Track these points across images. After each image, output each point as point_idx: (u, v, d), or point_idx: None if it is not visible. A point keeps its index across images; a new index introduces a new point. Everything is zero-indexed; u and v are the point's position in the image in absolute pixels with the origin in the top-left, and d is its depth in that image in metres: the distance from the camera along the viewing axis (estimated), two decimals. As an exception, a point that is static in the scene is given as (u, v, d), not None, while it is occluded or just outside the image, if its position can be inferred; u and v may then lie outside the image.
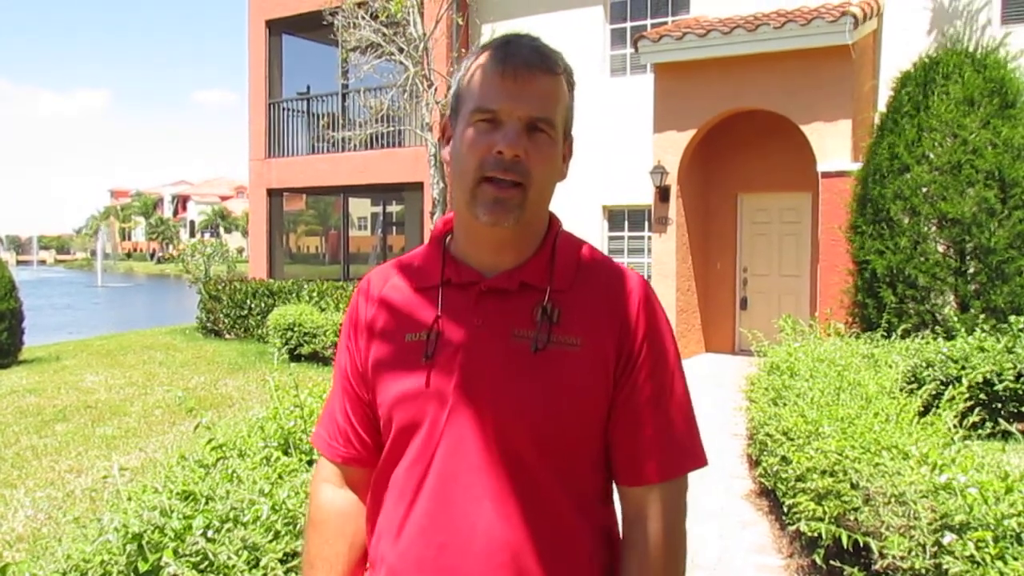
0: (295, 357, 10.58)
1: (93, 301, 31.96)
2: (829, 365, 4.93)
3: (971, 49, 7.44)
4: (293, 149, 14.98)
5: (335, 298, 11.88)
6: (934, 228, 7.13)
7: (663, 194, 9.76)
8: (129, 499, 2.32)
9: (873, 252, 7.32)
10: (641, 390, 1.13)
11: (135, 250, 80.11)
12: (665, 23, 10.75)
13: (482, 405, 1.10)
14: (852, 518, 3.10)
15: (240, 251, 30.45)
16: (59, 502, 5.04)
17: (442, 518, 1.10)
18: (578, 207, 10.82)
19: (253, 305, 13.31)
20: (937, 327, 6.91)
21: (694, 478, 1.19)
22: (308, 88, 15.19)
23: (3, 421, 7.53)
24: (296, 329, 10.64)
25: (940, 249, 7.12)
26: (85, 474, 5.69)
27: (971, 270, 7.01)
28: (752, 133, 10.01)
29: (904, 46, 9.09)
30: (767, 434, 4.33)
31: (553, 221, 1.21)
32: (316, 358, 10.46)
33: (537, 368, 1.10)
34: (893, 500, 2.85)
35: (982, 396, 5.76)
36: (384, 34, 10.57)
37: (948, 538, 2.51)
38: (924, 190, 7.10)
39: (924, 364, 6.01)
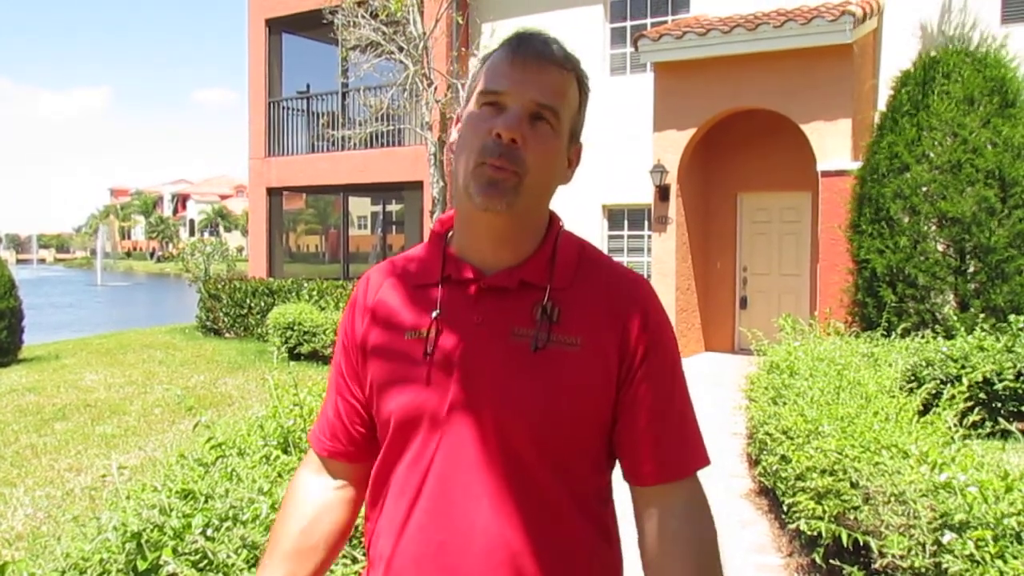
0: (295, 356, 10.58)
1: (93, 300, 31.95)
2: (829, 364, 4.93)
3: (971, 48, 7.44)
4: (293, 148, 14.97)
5: (335, 297, 11.88)
6: (934, 227, 7.13)
7: (663, 193, 9.76)
8: (128, 498, 2.32)
9: (873, 251, 7.32)
10: (645, 391, 1.12)
11: (135, 249, 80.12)
12: (665, 22, 10.75)
13: (481, 404, 1.09)
14: (852, 517, 3.10)
15: (240, 250, 30.44)
16: (58, 501, 5.04)
17: (441, 516, 1.09)
18: (578, 206, 10.81)
19: (253, 304, 13.31)
20: (937, 326, 6.91)
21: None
22: (308, 87, 15.19)
23: (3, 420, 7.53)
24: (296, 328, 10.64)
25: (940, 248, 7.11)
26: (84, 473, 5.69)
27: (971, 269, 7.01)
28: (752, 132, 10.01)
29: (904, 45, 9.09)
30: (767, 433, 4.33)
31: (554, 220, 1.21)
32: (316, 357, 10.46)
33: (536, 367, 1.10)
34: (893, 499, 2.85)
35: (982, 395, 5.77)
36: (384, 33, 10.57)
37: (948, 537, 2.51)
38: (924, 189, 7.10)
39: (924, 363, 6.01)
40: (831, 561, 3.24)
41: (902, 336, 6.51)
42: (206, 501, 2.27)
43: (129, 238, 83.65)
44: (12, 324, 11.38)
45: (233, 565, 2.00)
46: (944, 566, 2.48)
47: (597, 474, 1.16)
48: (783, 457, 3.88)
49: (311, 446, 1.29)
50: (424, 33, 10.51)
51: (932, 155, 7.14)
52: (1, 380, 9.76)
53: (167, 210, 79.52)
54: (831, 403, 4.03)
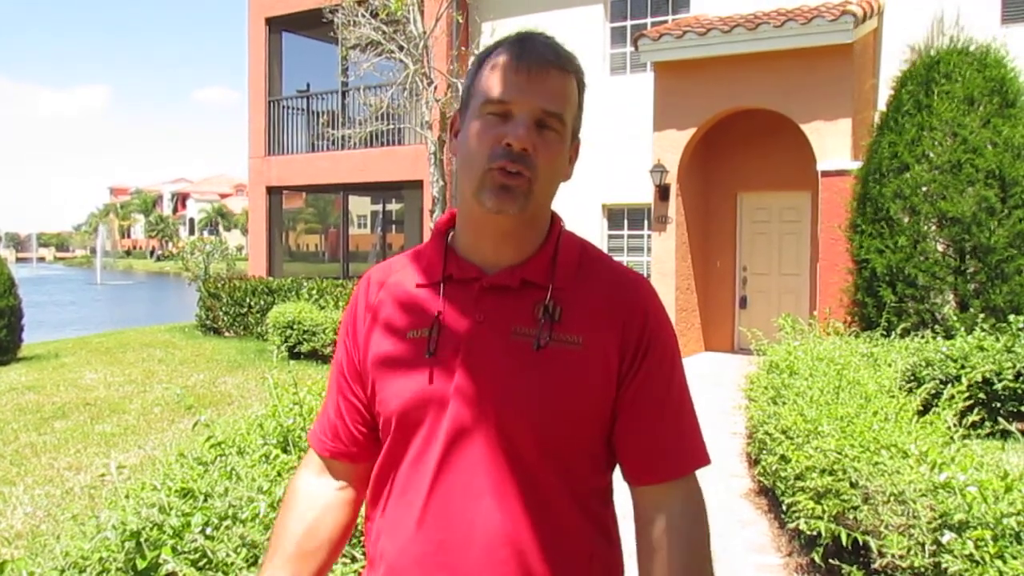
0: (294, 355, 10.58)
1: (93, 299, 31.95)
2: (828, 364, 4.93)
3: (971, 48, 7.44)
4: (293, 147, 14.97)
5: (334, 296, 11.87)
6: (934, 227, 7.13)
7: (663, 193, 9.76)
8: (127, 496, 2.32)
9: (873, 251, 7.32)
10: (646, 390, 1.13)
11: (134, 247, 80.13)
12: (665, 21, 10.75)
13: (483, 403, 1.10)
14: (851, 517, 3.10)
15: (240, 249, 30.43)
16: (58, 499, 5.04)
17: (442, 515, 1.10)
18: (578, 205, 10.81)
19: (252, 303, 13.30)
20: (936, 326, 6.91)
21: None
22: (308, 86, 15.19)
23: (2, 418, 7.53)
24: (295, 327, 10.64)
25: (940, 248, 7.11)
26: (84, 471, 5.69)
27: (971, 269, 7.01)
28: (752, 132, 10.00)
29: (904, 45, 9.08)
30: (766, 433, 4.33)
31: (556, 220, 1.21)
32: (315, 356, 10.46)
33: (538, 366, 1.10)
34: (892, 499, 2.85)
35: (981, 395, 5.77)
36: (384, 32, 10.56)
37: (947, 537, 2.51)
38: (924, 189, 7.10)
39: (923, 363, 6.01)
40: (830, 561, 3.24)
41: (902, 336, 6.51)
42: (205, 500, 2.27)
43: (129, 237, 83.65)
44: (12, 323, 11.38)
45: (232, 564, 2.00)
46: (943, 566, 2.48)
47: (598, 474, 1.16)
48: (783, 457, 3.88)
49: (311, 446, 1.28)
50: (424, 32, 10.50)
51: (932, 155, 7.14)
52: (1, 378, 9.75)
53: (167, 209, 79.51)
54: (831, 403, 4.03)
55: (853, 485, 3.15)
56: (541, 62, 1.10)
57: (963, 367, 5.83)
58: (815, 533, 3.27)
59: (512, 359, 1.10)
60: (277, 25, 14.90)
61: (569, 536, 1.11)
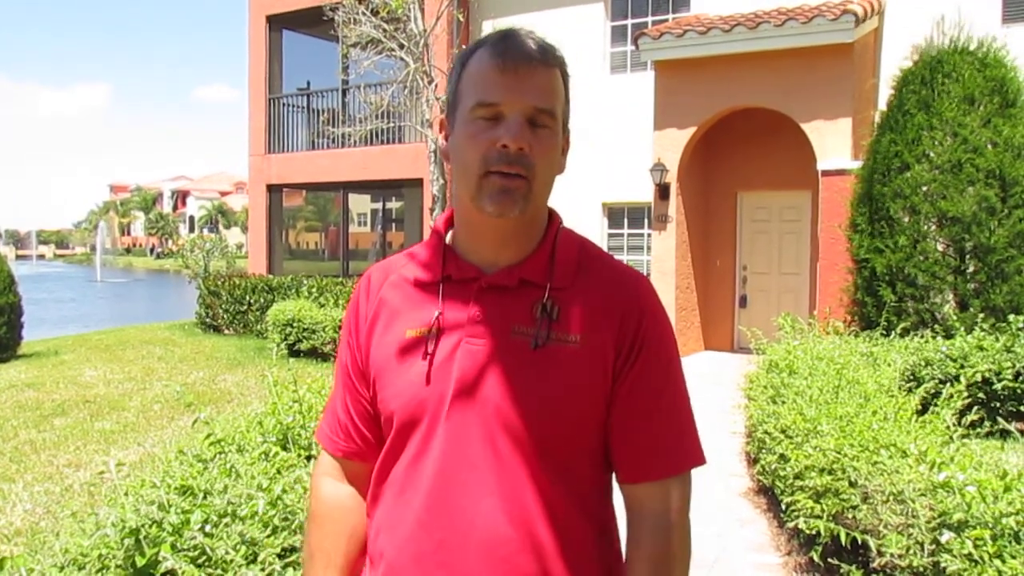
0: (294, 353, 10.58)
1: (93, 296, 31.95)
2: (828, 363, 4.93)
3: (972, 48, 7.44)
4: (293, 145, 14.96)
5: (334, 294, 11.88)
6: (934, 227, 7.13)
7: (663, 192, 9.75)
8: (127, 494, 2.32)
9: (873, 250, 7.32)
10: (640, 388, 1.13)
11: (134, 245, 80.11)
12: (666, 20, 10.74)
13: (481, 401, 1.10)
14: (850, 516, 3.11)
15: (239, 247, 30.44)
16: (57, 497, 5.04)
17: (441, 514, 1.10)
18: (578, 204, 10.81)
19: (252, 301, 13.30)
20: (936, 326, 6.91)
21: (692, 475, 1.19)
22: (308, 84, 15.17)
23: (2, 415, 7.53)
24: (295, 325, 10.64)
25: (940, 248, 7.11)
26: (83, 468, 5.69)
27: (971, 269, 7.01)
28: (752, 131, 10.00)
29: (905, 45, 9.08)
30: (765, 432, 4.33)
31: (554, 217, 1.22)
32: (315, 354, 10.46)
33: (536, 365, 1.10)
34: (891, 498, 2.85)
35: (981, 395, 5.77)
36: (385, 30, 10.56)
37: (946, 536, 2.52)
38: (924, 189, 7.10)
39: (923, 363, 6.01)
40: (829, 560, 3.24)
41: (901, 335, 6.51)
42: (205, 497, 2.27)
43: (129, 234, 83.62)
44: (11, 320, 11.38)
45: (232, 561, 2.00)
46: (942, 565, 2.48)
47: (596, 472, 1.16)
48: (782, 456, 3.88)
49: (323, 447, 1.28)
50: (425, 30, 10.50)
51: (932, 155, 7.14)
52: (0, 376, 9.76)
53: (167, 206, 79.49)
54: (830, 402, 4.04)
55: (852, 484, 3.16)
56: (526, 59, 1.09)
57: (962, 367, 5.83)
58: (814, 532, 3.27)
59: (510, 358, 1.10)
60: (278, 23, 14.88)
61: (568, 534, 1.11)
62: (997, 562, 2.35)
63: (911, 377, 5.86)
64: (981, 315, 6.64)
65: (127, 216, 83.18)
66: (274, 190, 15.11)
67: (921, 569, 2.60)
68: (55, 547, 2.05)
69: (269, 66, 14.90)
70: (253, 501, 2.22)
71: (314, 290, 12.22)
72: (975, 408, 4.89)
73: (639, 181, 10.38)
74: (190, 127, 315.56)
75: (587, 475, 1.14)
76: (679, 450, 1.15)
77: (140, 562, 1.93)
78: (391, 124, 12.24)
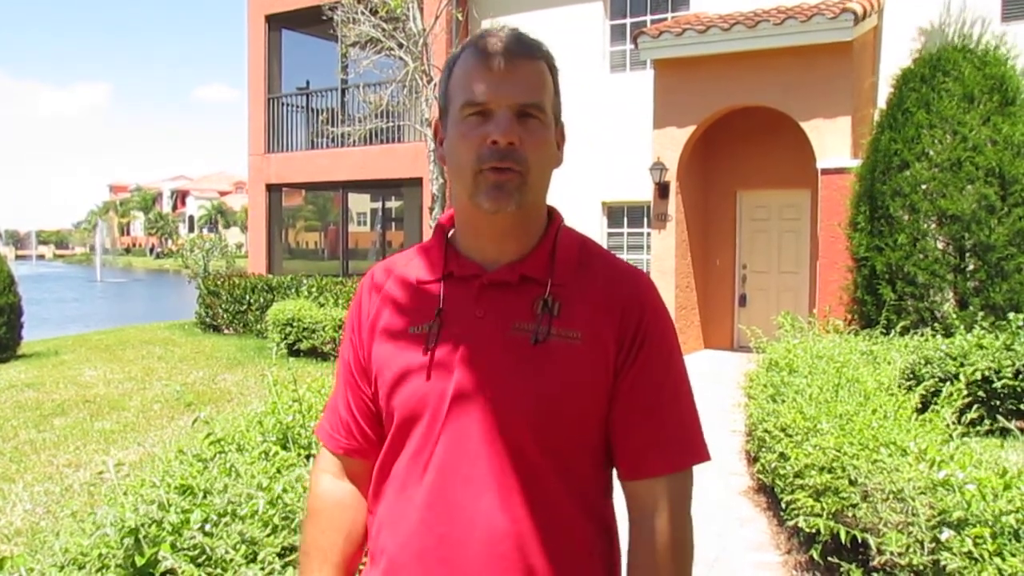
0: (294, 352, 10.58)
1: (93, 296, 31.94)
2: (828, 362, 4.93)
3: (971, 46, 7.43)
4: (292, 144, 14.95)
5: (334, 293, 11.87)
6: (933, 225, 7.13)
7: (662, 190, 9.75)
8: (126, 493, 2.32)
9: (872, 249, 7.32)
10: (641, 383, 1.13)
11: (134, 245, 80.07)
12: (665, 19, 10.73)
13: (482, 398, 1.10)
14: (850, 514, 3.11)
15: (239, 246, 30.44)
16: (57, 496, 5.04)
17: (442, 510, 1.10)
18: (577, 203, 10.81)
19: (252, 300, 13.30)
20: (936, 324, 6.91)
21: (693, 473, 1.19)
22: (307, 83, 15.16)
23: (1, 415, 7.52)
24: (295, 324, 10.63)
25: (939, 246, 7.11)
26: (83, 468, 5.69)
27: (970, 267, 7.01)
28: (752, 130, 10.00)
29: (905, 43, 9.08)
30: (765, 430, 4.33)
31: (555, 215, 1.22)
32: (315, 353, 10.46)
33: (537, 361, 1.10)
34: (891, 496, 2.85)
35: (980, 393, 5.76)
36: (384, 29, 10.55)
37: (946, 534, 2.52)
38: (924, 187, 7.10)
39: (923, 361, 6.01)
40: (829, 558, 3.24)
41: (901, 334, 6.51)
42: (204, 497, 2.27)
43: (128, 234, 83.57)
44: (11, 320, 11.38)
45: (231, 560, 2.00)
46: (942, 563, 2.48)
47: (597, 469, 1.16)
48: (782, 454, 3.88)
49: (324, 444, 1.28)
50: (424, 30, 10.49)
51: (932, 153, 7.13)
52: (0, 376, 9.75)
53: (166, 206, 79.44)
54: (830, 401, 4.04)
55: (852, 483, 3.16)
56: (509, 55, 1.10)
57: (962, 365, 5.83)
58: (814, 531, 3.27)
59: (511, 354, 1.11)
60: (277, 22, 14.87)
61: (569, 531, 1.11)
62: (997, 560, 2.35)
63: (911, 375, 5.86)
64: (981, 313, 6.65)
65: (127, 216, 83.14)
66: (274, 190, 15.11)
67: (921, 567, 2.60)
68: (55, 547, 2.05)
69: (268, 66, 14.89)
70: (253, 500, 2.22)
71: (314, 290, 12.22)
72: (975, 406, 4.89)
73: (638, 180, 10.37)
74: (190, 127, 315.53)
75: (588, 472, 1.15)
76: (681, 446, 1.15)
77: (140, 561, 1.93)
78: (390, 123, 12.23)
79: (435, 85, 10.63)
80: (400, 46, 10.57)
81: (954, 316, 6.80)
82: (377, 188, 14.69)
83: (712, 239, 10.61)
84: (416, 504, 1.12)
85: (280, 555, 2.12)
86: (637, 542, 1.12)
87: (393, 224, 15.40)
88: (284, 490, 2.32)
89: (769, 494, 4.61)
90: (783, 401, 4.38)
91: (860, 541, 3.01)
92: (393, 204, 15.28)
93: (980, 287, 6.92)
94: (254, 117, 15.02)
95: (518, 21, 11.07)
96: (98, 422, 7.17)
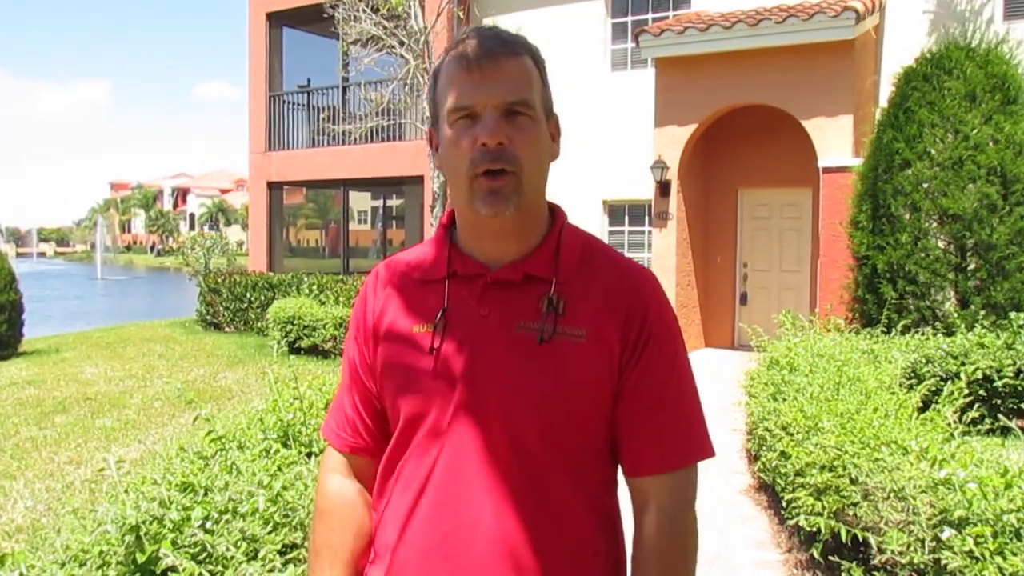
0: (295, 350, 10.58)
1: (94, 294, 31.97)
2: (829, 360, 4.93)
3: (973, 45, 7.42)
4: (293, 142, 14.95)
5: (335, 291, 11.88)
6: (935, 224, 7.12)
7: (664, 189, 9.74)
8: (127, 491, 2.32)
9: (874, 248, 7.31)
10: (646, 380, 1.13)
11: (135, 243, 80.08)
12: (666, 17, 10.72)
13: (488, 396, 1.10)
14: (851, 513, 3.10)
15: (240, 244, 30.45)
16: (58, 493, 5.04)
17: (447, 508, 1.10)
18: (578, 201, 10.80)
19: (253, 298, 13.30)
20: (937, 323, 6.90)
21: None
22: (308, 81, 15.16)
23: (3, 412, 7.53)
24: (296, 322, 10.64)
25: (941, 245, 7.11)
26: (84, 466, 5.69)
27: (972, 266, 7.00)
28: (753, 128, 9.99)
29: (906, 41, 9.07)
30: (766, 429, 4.33)
31: (558, 213, 1.22)
32: (316, 351, 10.46)
33: (543, 359, 1.10)
34: (892, 495, 2.85)
35: (981, 392, 5.76)
36: (385, 27, 10.54)
37: (947, 533, 2.52)
38: (925, 186, 7.09)
39: (924, 360, 6.01)
40: (830, 557, 3.24)
41: (902, 333, 6.51)
42: (205, 494, 2.27)
43: (129, 232, 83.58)
44: (12, 317, 11.39)
45: (232, 558, 2.00)
46: (943, 562, 2.48)
47: (602, 465, 1.16)
48: (783, 453, 3.88)
49: (330, 442, 1.28)
50: (425, 28, 10.48)
51: (933, 152, 7.13)
52: (1, 373, 9.76)
53: (167, 204, 79.43)
54: (831, 399, 4.04)
55: (853, 481, 3.15)
56: (489, 54, 1.10)
57: (963, 364, 5.82)
58: (815, 529, 3.27)
59: (517, 353, 1.11)
60: (278, 20, 14.86)
61: (574, 529, 1.11)
62: (998, 559, 2.35)
63: (912, 374, 5.86)
64: (982, 312, 6.64)
65: (127, 214, 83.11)
66: (274, 187, 15.11)
67: (922, 566, 2.60)
68: (56, 544, 2.05)
69: (269, 63, 14.88)
70: (254, 498, 2.22)
71: (315, 287, 12.22)
72: (976, 405, 4.88)
73: (640, 178, 10.37)
74: (190, 124, 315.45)
75: (593, 469, 1.15)
76: (686, 442, 1.15)
77: (141, 558, 1.93)
78: (391, 121, 12.23)
79: (436, 83, 10.62)
80: (401, 44, 10.56)
81: (955, 315, 6.80)
82: (378, 186, 14.69)
83: (713, 237, 10.61)
84: (421, 502, 1.12)
85: (281, 552, 2.12)
86: (643, 538, 1.12)
87: (394, 222, 15.40)
88: (285, 487, 2.33)
89: (770, 492, 4.61)
90: (784, 400, 4.38)
91: (861, 540, 3.01)
92: (394, 202, 15.28)
93: (981, 286, 6.92)
94: (255, 115, 15.01)
95: (519, 19, 11.06)
96: (99, 419, 7.18)
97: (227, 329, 13.77)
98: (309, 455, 2.91)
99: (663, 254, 9.84)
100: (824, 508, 3.26)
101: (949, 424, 3.62)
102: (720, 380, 7.89)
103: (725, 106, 9.55)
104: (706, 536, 4.25)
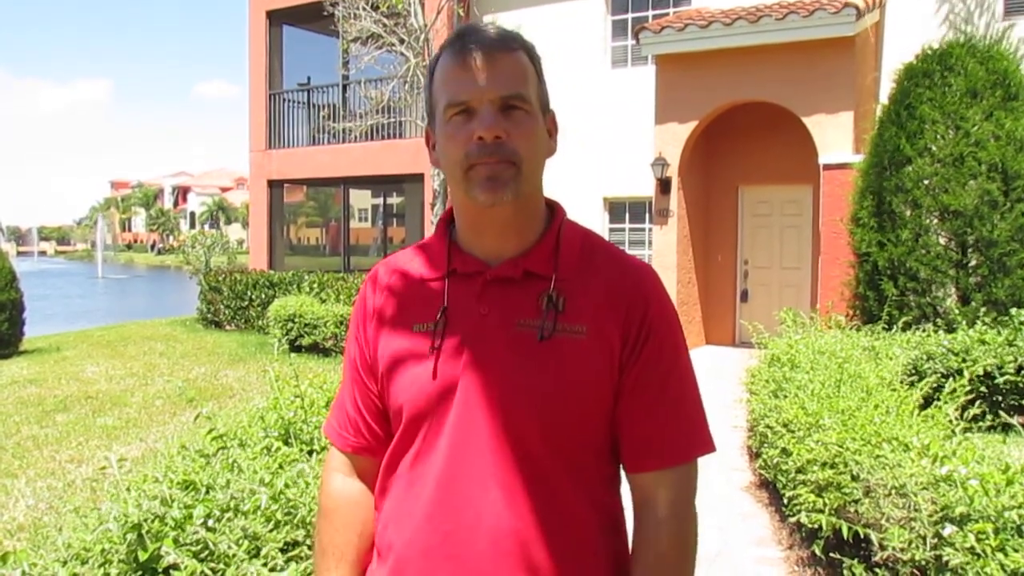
0: (295, 348, 10.59)
1: (95, 292, 31.98)
2: (830, 357, 4.92)
3: (974, 41, 7.41)
4: (294, 140, 14.95)
5: (335, 289, 11.88)
6: (936, 220, 7.12)
7: (664, 186, 9.74)
8: (129, 489, 2.32)
9: (874, 244, 7.30)
10: (646, 376, 1.13)
11: (135, 241, 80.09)
12: (667, 14, 10.71)
13: (488, 394, 1.10)
14: (852, 510, 3.10)
15: (240, 242, 30.47)
16: (60, 492, 5.05)
17: (449, 506, 1.10)
18: (579, 199, 10.79)
19: (253, 296, 13.31)
20: (938, 320, 6.90)
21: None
22: (308, 79, 15.15)
23: (4, 411, 7.54)
24: (296, 320, 10.64)
25: (942, 242, 7.10)
26: (86, 464, 5.70)
27: (972, 263, 7.00)
28: (753, 125, 9.98)
29: (907, 38, 9.05)
30: (767, 426, 4.33)
31: (557, 209, 1.22)
32: (316, 349, 10.46)
33: (543, 356, 1.10)
34: (894, 492, 2.85)
35: (983, 389, 5.76)
36: (385, 25, 10.54)
37: (948, 530, 2.52)
38: (926, 182, 7.08)
39: (925, 357, 6.01)
40: (831, 554, 3.24)
41: (903, 329, 6.50)
42: (207, 492, 2.27)
43: (130, 230, 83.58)
44: (13, 316, 11.40)
45: (234, 556, 2.00)
46: (945, 559, 2.48)
47: (604, 462, 1.16)
48: (784, 450, 3.88)
49: (332, 442, 1.28)
50: (425, 25, 10.48)
51: (934, 148, 7.11)
52: (2, 372, 9.77)
53: (168, 202, 79.41)
54: (832, 396, 4.03)
55: (854, 478, 3.15)
56: (485, 50, 1.10)
57: (965, 361, 5.83)
58: (816, 526, 3.27)
59: (517, 351, 1.11)
60: (278, 18, 14.85)
61: (576, 526, 1.11)
62: (1000, 556, 2.35)
63: (913, 371, 5.86)
64: (983, 309, 6.63)
65: (128, 212, 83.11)
66: (275, 186, 15.10)
67: (923, 563, 2.60)
68: (58, 542, 2.05)
69: (269, 62, 14.88)
70: (255, 496, 2.23)
71: (315, 285, 12.22)
72: (977, 402, 4.88)
73: (640, 176, 10.36)
74: (191, 123, 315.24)
75: (594, 466, 1.14)
76: (686, 437, 1.15)
77: (143, 556, 1.93)
78: (392, 119, 12.23)
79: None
80: (401, 42, 10.55)
81: (956, 312, 6.79)
82: (378, 184, 14.68)
83: (714, 235, 10.60)
84: (422, 501, 1.12)
85: (283, 550, 2.12)
86: (643, 534, 1.12)
87: (394, 220, 15.40)
88: (286, 485, 2.33)
89: (771, 489, 4.61)
90: (785, 397, 4.38)
91: (862, 537, 3.01)
92: (394, 200, 15.27)
93: (982, 283, 6.91)
94: (255, 113, 15.01)
95: (519, 16, 11.04)
96: (100, 418, 7.18)
97: (228, 327, 13.78)
98: (310, 453, 2.91)
99: (664, 251, 9.84)
100: (825, 505, 3.26)
101: (950, 421, 3.62)
102: (721, 377, 7.89)
103: (726, 103, 9.54)
104: (707, 533, 4.26)
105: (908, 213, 7.17)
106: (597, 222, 11.31)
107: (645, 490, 1.13)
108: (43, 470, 5.61)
